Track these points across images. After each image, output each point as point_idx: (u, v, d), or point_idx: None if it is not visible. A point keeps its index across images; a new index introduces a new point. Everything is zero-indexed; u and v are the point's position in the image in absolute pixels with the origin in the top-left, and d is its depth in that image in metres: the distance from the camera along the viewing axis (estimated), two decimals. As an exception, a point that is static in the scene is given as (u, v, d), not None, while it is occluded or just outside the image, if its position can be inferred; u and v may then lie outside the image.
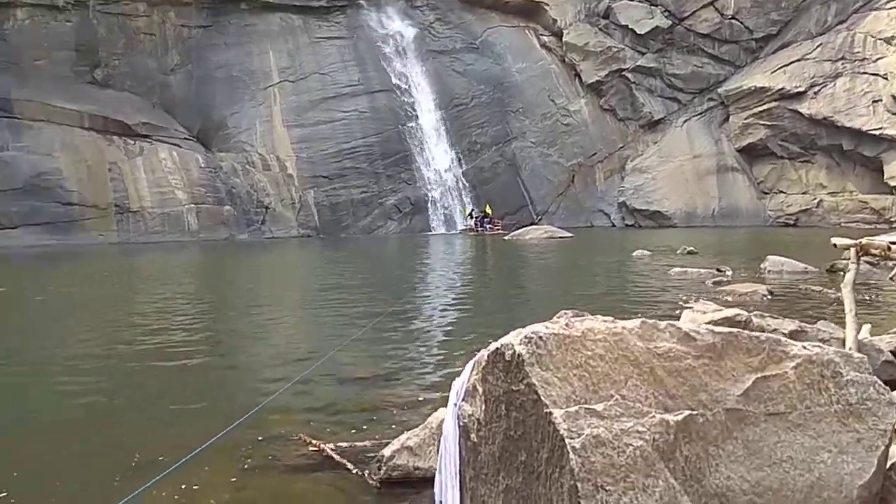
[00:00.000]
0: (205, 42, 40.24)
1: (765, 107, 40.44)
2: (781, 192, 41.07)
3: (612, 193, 43.12)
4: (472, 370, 2.72)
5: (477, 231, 37.84)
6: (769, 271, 14.08)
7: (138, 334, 8.34)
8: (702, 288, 11.70)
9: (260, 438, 4.34)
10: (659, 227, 40.18)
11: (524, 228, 33.39)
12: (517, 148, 42.91)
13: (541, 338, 2.44)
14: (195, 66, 40.03)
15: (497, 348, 2.54)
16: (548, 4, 44.28)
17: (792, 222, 39.55)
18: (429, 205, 40.75)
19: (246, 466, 3.93)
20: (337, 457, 4.02)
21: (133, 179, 33.85)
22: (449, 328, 8.38)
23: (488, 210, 39.24)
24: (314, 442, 4.23)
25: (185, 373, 6.39)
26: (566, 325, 2.51)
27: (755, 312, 5.47)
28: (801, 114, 39.23)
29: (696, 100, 44.11)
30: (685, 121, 43.67)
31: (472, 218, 39.33)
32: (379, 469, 3.74)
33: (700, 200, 41.62)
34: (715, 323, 5.97)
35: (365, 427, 4.56)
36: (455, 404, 2.76)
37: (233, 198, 36.11)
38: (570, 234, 31.16)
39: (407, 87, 42.26)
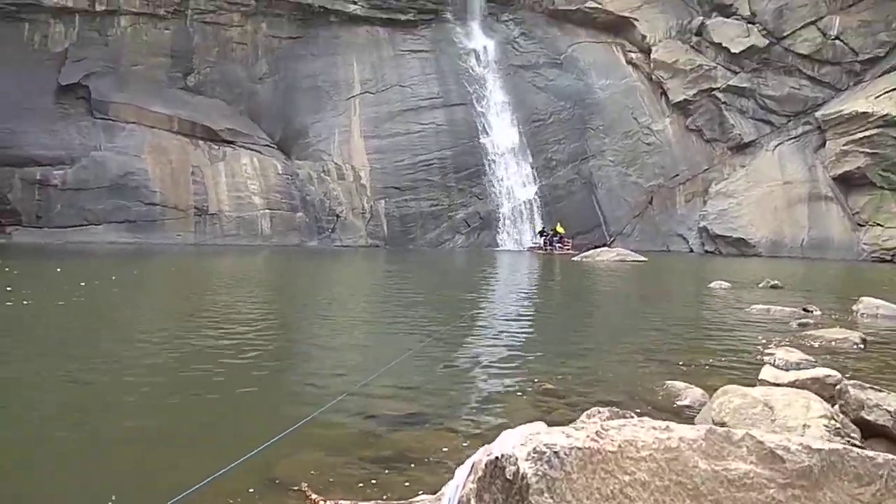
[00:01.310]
0: (293, 52, 41.27)
1: (866, 133, 37.73)
2: (878, 224, 38.12)
3: (692, 217, 41.27)
4: (469, 474, 2.12)
5: (545, 250, 36.88)
6: (863, 314, 12.70)
7: (183, 342, 8.19)
8: (785, 330, 10.61)
9: (254, 489, 3.88)
10: (741, 255, 38.11)
11: (595, 249, 32.25)
12: (594, 166, 41.76)
13: (556, 453, 1.80)
14: (282, 75, 41.11)
15: (496, 459, 1.89)
16: (638, 20, 43.03)
17: (889, 258, 36.63)
18: (498, 220, 40.17)
19: (230, 524, 3.50)
20: (335, 518, 3.54)
21: (214, 183, 34.93)
22: (500, 362, 7.77)
23: (560, 228, 38.21)
24: (314, 497, 3.75)
25: (210, 394, 6.09)
26: (597, 433, 1.86)
27: (853, 381, 4.64)
28: (906, 142, 36.39)
29: (791, 123, 41.71)
30: (777, 145, 41.36)
31: (542, 235, 38.40)
32: (377, 547, 3.22)
33: (788, 229, 39.22)
34: (800, 384, 5.17)
35: (375, 480, 4.04)
36: (447, 513, 2.16)
37: (306, 205, 36.67)
38: (643, 259, 29.82)
39: (486, 101, 41.94)
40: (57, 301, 11.55)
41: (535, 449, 1.80)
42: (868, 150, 37.74)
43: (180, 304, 12.77)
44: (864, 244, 37.91)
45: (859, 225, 38.71)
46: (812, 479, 1.84)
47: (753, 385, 5.78)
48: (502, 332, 10.33)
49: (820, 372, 5.41)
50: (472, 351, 8.42)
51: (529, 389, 6.27)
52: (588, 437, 1.83)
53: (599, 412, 3.20)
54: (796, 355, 8.02)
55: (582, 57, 43.23)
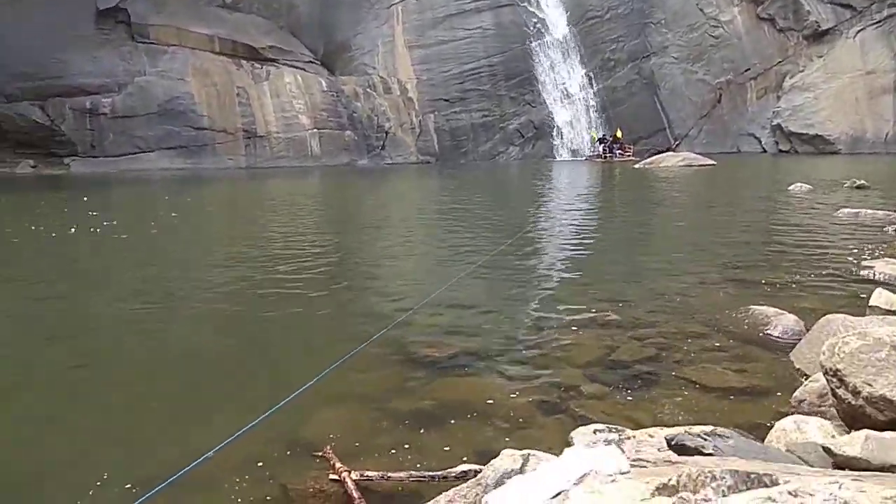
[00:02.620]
0: (330, -40, 39.22)
1: (964, 10, 33.70)
2: (975, 113, 34.66)
3: (764, 115, 38.47)
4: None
5: (605, 157, 35.11)
6: (969, 216, 11.27)
7: (230, 271, 7.74)
8: (880, 237, 9.41)
9: (273, 454, 3.33)
10: (819, 153, 35.55)
11: (659, 155, 30.47)
12: (656, 64, 39.07)
13: None
14: (321, -15, 39.29)
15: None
16: None
17: None
18: (553, 129, 38.39)
19: (239, 500, 2.94)
20: (357, 497, 2.94)
21: (260, 104, 34.29)
22: (556, 288, 7.00)
23: (619, 134, 36.23)
24: (337, 467, 3.17)
25: (248, 336, 5.61)
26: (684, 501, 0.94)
27: None
28: None
29: (874, 6, 37.61)
30: (858, 31, 37.52)
31: (601, 143, 36.53)
32: (405, 537, 2.61)
33: (871, 123, 36.13)
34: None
35: (409, 444, 3.43)
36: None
37: (353, 122, 35.77)
38: (712, 162, 28.00)
39: (535, -1, 39.29)
40: (149, 228, 11.35)
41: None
42: (965, 30, 33.87)
43: (232, 231, 12.40)
44: (958, 136, 34.69)
45: (952, 115, 35.32)
46: None
47: (861, 313, 4.85)
48: (559, 251, 9.52)
49: (950, 296, 4.42)
50: (525, 276, 7.67)
51: (590, 321, 5.51)
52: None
53: (714, 478, 1.56)
54: (901, 269, 6.95)
55: (640, -57, 39.65)
